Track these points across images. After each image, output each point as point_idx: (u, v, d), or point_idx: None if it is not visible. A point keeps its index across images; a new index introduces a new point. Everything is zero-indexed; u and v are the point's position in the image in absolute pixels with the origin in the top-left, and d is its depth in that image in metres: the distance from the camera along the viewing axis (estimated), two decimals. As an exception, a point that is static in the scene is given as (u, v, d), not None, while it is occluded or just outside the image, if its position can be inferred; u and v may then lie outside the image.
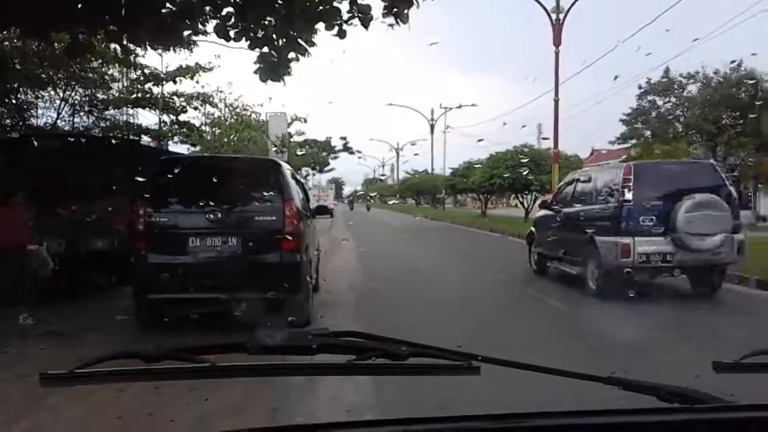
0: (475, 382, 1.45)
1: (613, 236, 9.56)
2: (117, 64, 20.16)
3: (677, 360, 5.49)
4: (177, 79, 23.14)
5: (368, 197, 70.43)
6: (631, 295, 8.60)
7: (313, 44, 9.28)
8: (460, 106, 56.41)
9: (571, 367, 1.45)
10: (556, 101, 28.12)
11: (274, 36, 8.97)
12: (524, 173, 30.58)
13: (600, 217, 10.20)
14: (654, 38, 31.42)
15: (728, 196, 9.89)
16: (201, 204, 7.31)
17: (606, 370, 1.49)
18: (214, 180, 7.50)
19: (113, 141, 16.07)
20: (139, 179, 7.57)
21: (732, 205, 9.77)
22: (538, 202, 16.32)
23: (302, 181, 11.76)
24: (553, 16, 27.35)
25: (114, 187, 9.45)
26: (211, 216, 7.25)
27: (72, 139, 12.31)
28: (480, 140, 53.80)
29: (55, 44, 10.92)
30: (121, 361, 1.37)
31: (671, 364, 5.44)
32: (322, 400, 4.70)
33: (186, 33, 9.60)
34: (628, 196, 9.57)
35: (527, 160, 30.88)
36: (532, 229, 13.92)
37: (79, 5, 7.75)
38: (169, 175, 7.59)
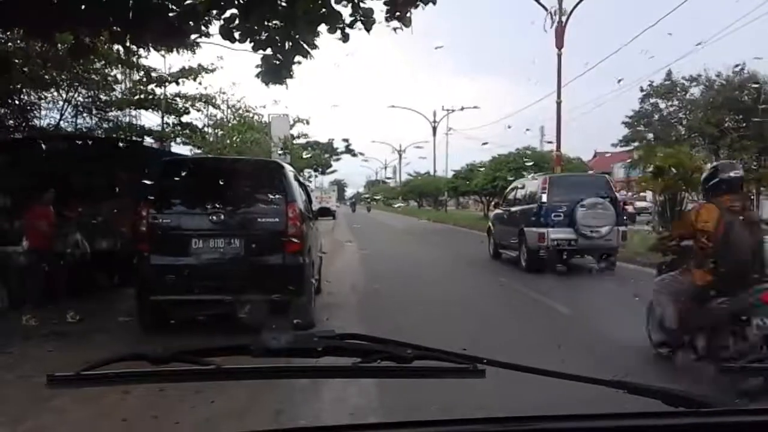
0: (480, 385, 1.44)
1: (534, 227, 13.16)
2: (120, 66, 20.20)
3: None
4: (180, 80, 23.17)
5: (368, 200, 70.79)
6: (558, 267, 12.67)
7: (315, 47, 9.32)
8: (462, 108, 56.34)
9: (575, 370, 1.46)
10: (559, 103, 28.11)
11: (278, 38, 9.00)
12: (533, 173, 30.57)
13: (528, 214, 13.81)
14: (656, 41, 31.49)
15: (613, 200, 13.68)
16: (204, 205, 7.32)
17: (609, 373, 1.49)
18: (217, 182, 7.50)
19: (117, 142, 16.09)
20: (143, 180, 7.58)
21: (616, 207, 13.53)
22: (492, 203, 19.76)
23: (305, 182, 11.78)
24: (556, 19, 27.37)
25: (117, 189, 9.44)
26: (214, 217, 7.25)
27: (77, 141, 12.36)
28: (485, 143, 54.11)
29: (59, 45, 10.92)
30: (126, 363, 1.38)
31: (675, 368, 5.41)
32: (326, 403, 4.70)
33: (190, 35, 9.62)
34: (544, 198, 13.33)
35: (531, 163, 30.86)
36: (490, 224, 17.35)
37: (83, 6, 7.77)
38: (172, 177, 7.60)
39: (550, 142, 32.93)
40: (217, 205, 7.27)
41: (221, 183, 7.47)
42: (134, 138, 21.57)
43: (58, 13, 7.85)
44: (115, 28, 8.49)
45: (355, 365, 1.38)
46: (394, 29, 8.40)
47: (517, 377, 1.44)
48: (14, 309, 8.36)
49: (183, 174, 7.63)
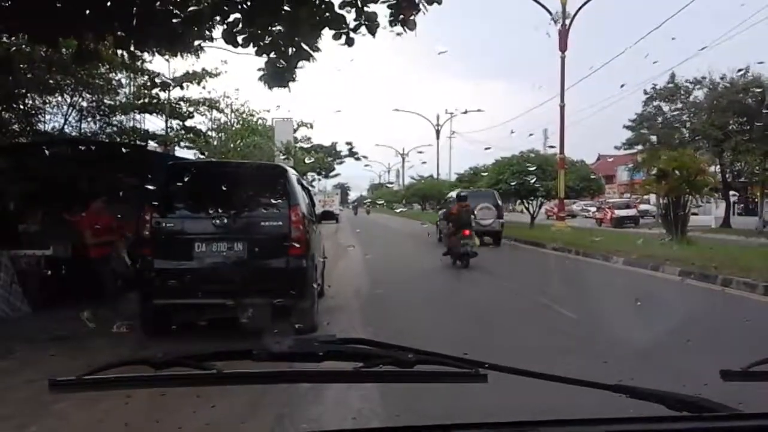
0: (482, 390, 1.45)
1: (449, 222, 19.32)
2: (124, 70, 20.26)
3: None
4: (184, 84, 23.25)
5: (368, 203, 71.59)
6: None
7: (317, 49, 9.31)
8: (465, 112, 56.77)
9: (576, 374, 1.46)
10: (562, 107, 28.15)
11: (281, 42, 9.01)
12: (531, 179, 30.56)
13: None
14: (660, 44, 31.36)
15: (496, 205, 23.47)
16: (207, 209, 7.33)
17: (612, 378, 1.48)
18: (221, 186, 7.51)
19: (121, 146, 16.13)
20: (146, 184, 7.60)
21: (498, 209, 23.37)
22: (442, 211, 23.76)
23: (308, 186, 11.79)
24: (560, 22, 27.40)
25: (121, 193, 9.48)
26: (218, 221, 7.26)
27: (81, 146, 12.39)
28: (487, 148, 54.32)
29: (63, 50, 10.96)
30: (128, 367, 1.38)
31: (678, 372, 5.41)
32: (328, 407, 4.69)
33: (194, 39, 9.64)
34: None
35: (534, 168, 30.79)
36: (437, 221, 24.59)
37: (87, 12, 7.79)
38: (176, 181, 7.62)
39: (552, 147, 32.95)
40: (220, 209, 7.28)
41: (224, 187, 7.48)
42: (138, 142, 21.65)
43: (63, 19, 7.87)
44: (119, 33, 8.51)
45: (357, 370, 1.37)
46: (398, 33, 8.39)
47: (519, 382, 1.43)
48: (34, 312, 8.42)
49: (186, 178, 7.65)
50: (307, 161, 36.99)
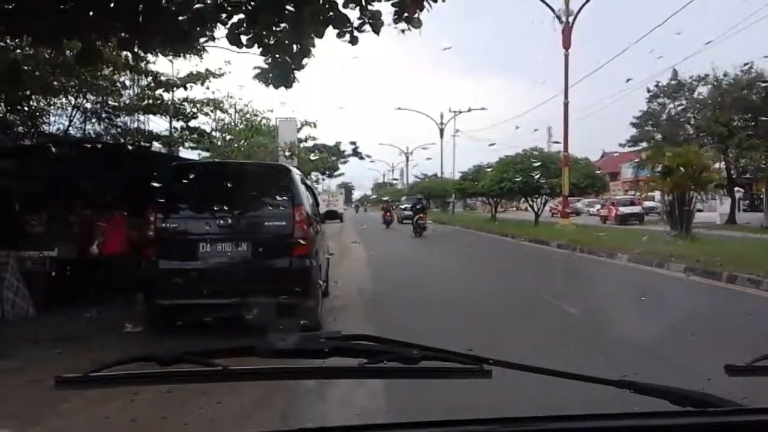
0: (487, 386, 1.45)
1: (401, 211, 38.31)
2: (128, 71, 20.27)
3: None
4: (188, 85, 23.25)
5: (365, 202, 73.95)
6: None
7: (313, 45, 9.24)
8: (469, 110, 56.40)
9: (580, 370, 1.46)
10: (566, 104, 28.15)
11: (286, 42, 9.00)
12: (535, 176, 30.55)
13: (400, 206, 41.56)
14: (663, 41, 31.33)
15: (423, 206, 29.19)
16: (212, 209, 7.34)
17: (616, 373, 1.48)
18: (225, 185, 7.53)
19: (125, 147, 16.18)
20: (150, 185, 7.62)
21: (424, 208, 29.27)
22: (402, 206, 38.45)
23: (312, 186, 11.79)
24: (563, 19, 27.35)
25: (126, 193, 9.50)
26: (222, 221, 7.27)
27: (86, 146, 12.45)
28: (492, 144, 54.36)
29: (67, 52, 10.98)
30: (134, 364, 1.39)
31: (682, 367, 5.42)
32: (333, 404, 4.69)
33: (198, 40, 9.65)
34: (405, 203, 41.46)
35: (538, 164, 30.78)
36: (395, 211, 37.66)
37: (91, 13, 7.81)
38: (180, 181, 7.64)
39: (557, 143, 32.89)
40: (225, 209, 7.29)
41: (228, 187, 7.50)
42: (142, 143, 21.69)
43: (67, 21, 7.89)
44: (123, 34, 8.53)
45: (362, 366, 1.38)
46: (402, 31, 8.38)
47: (523, 377, 1.43)
48: (39, 314, 8.46)
49: (190, 178, 7.68)
50: (312, 158, 37.08)
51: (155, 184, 7.64)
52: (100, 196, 9.58)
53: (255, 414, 4.48)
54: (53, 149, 10.76)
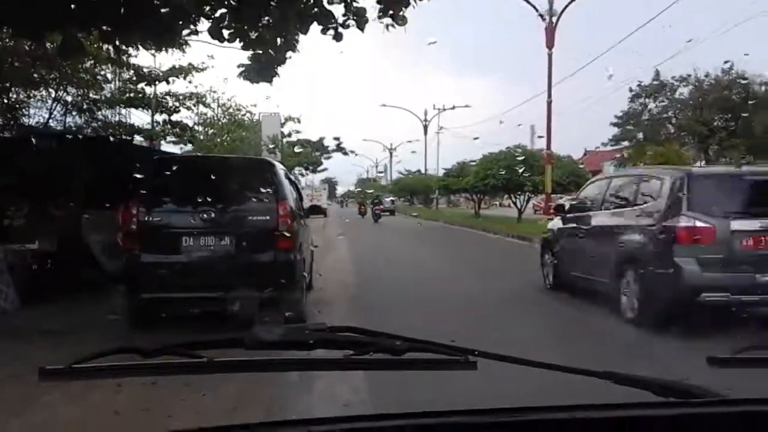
0: (472, 377, 1.46)
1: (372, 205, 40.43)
2: (110, 64, 20.09)
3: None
4: (170, 79, 23.09)
5: (347, 198, 78.00)
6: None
7: (297, 41, 9.22)
8: (453, 107, 56.43)
9: (565, 362, 1.47)
10: (549, 102, 28.21)
11: (268, 37, 8.97)
12: (520, 171, 30.66)
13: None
14: (647, 40, 31.60)
15: (381, 201, 41.85)
16: (194, 203, 7.29)
17: (600, 364, 1.48)
18: (208, 179, 7.46)
19: (107, 140, 16.02)
20: (132, 178, 7.56)
21: (381, 202, 41.54)
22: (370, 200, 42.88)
23: (295, 180, 11.74)
24: (546, 18, 27.44)
25: (107, 186, 9.39)
26: (205, 215, 7.21)
27: (67, 138, 12.29)
28: (476, 138, 54.55)
29: (48, 45, 10.85)
30: (118, 356, 1.38)
31: (665, 359, 5.47)
32: (318, 395, 4.70)
33: (180, 34, 9.58)
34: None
35: (522, 158, 30.91)
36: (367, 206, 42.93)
37: (72, 5, 7.72)
38: (162, 175, 7.57)
39: (541, 137, 33.06)
40: (208, 203, 7.25)
41: (211, 181, 7.44)
42: (124, 136, 21.51)
43: (48, 13, 7.79)
44: (104, 27, 8.44)
45: (347, 357, 1.38)
46: (387, 26, 8.38)
47: (508, 369, 1.45)
48: (20, 307, 8.37)
49: (173, 172, 7.61)
50: (296, 150, 37.11)
51: (137, 177, 7.56)
52: (81, 189, 9.45)
53: (240, 406, 4.49)
54: (33, 141, 10.60)
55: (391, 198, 53.64)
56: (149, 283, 7.03)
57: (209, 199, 7.26)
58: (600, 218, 8.97)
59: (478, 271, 13.87)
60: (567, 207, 10.89)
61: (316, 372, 3.89)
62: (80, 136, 16.65)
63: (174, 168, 7.84)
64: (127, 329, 7.29)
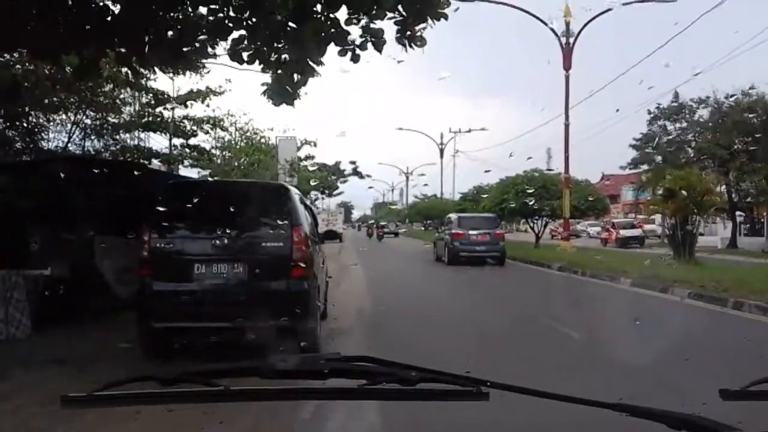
0: (484, 408, 1.48)
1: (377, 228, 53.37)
2: (129, 88, 20.21)
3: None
4: (188, 102, 23.21)
5: (363, 223, 79.77)
6: None
7: (321, 63, 9.16)
8: (469, 130, 56.51)
9: (579, 393, 1.47)
10: (567, 125, 28.00)
11: (286, 57, 8.88)
12: (533, 201, 30.44)
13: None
14: (664, 63, 31.35)
15: (384, 226, 55.38)
16: (207, 229, 7.11)
17: (613, 396, 1.49)
18: (221, 205, 7.27)
19: (122, 164, 16.00)
20: (146, 203, 7.41)
21: (384, 226, 54.79)
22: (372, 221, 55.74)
23: (311, 206, 11.58)
24: (563, 41, 27.35)
25: (121, 211, 9.27)
26: (218, 241, 7.02)
27: (80, 161, 12.25)
28: (487, 171, 55.92)
29: (66, 67, 10.85)
30: (137, 384, 1.43)
31: (678, 391, 5.35)
32: (332, 425, 4.71)
33: (197, 56, 9.52)
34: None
35: (539, 187, 30.60)
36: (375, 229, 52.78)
37: (88, 27, 7.68)
38: (175, 200, 7.42)
39: (550, 170, 32.88)
40: (221, 230, 7.06)
41: (225, 206, 7.23)
42: (141, 161, 21.56)
43: (64, 34, 7.76)
44: (120, 49, 8.39)
45: (361, 387, 1.41)
46: (404, 45, 8.21)
47: (520, 400, 1.45)
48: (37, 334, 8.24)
49: (186, 197, 7.45)
50: (312, 183, 37.15)
51: (151, 202, 7.41)
52: (94, 213, 9.34)
53: None
54: (47, 166, 10.55)
55: (396, 222, 63.71)
56: (160, 311, 6.83)
57: (222, 225, 7.08)
58: (443, 233, 25.30)
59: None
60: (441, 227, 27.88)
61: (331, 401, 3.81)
62: (94, 160, 16.60)
63: (187, 193, 7.69)
64: (139, 358, 7.10)
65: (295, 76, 9.11)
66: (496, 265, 21.53)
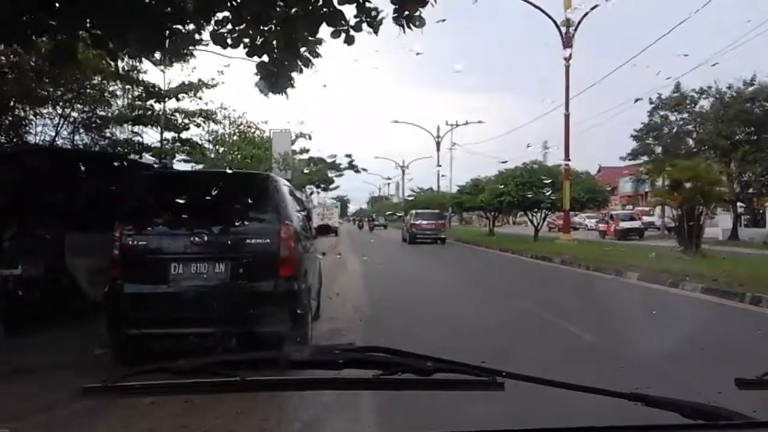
0: (499, 398, 1.48)
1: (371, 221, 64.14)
2: (119, 81, 19.68)
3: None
4: (179, 95, 22.66)
5: (358, 217, 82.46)
6: None
7: (317, 54, 8.66)
8: (466, 123, 56.08)
9: (592, 383, 1.47)
10: (567, 115, 27.48)
11: (275, 42, 8.33)
12: (530, 193, 30.00)
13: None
14: (666, 53, 30.85)
15: (374, 218, 66.92)
16: (186, 225, 6.43)
17: (628, 386, 1.48)
18: (202, 198, 6.52)
19: (100, 155, 15.41)
20: (119, 197, 6.78)
21: (374, 219, 65.77)
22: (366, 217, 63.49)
23: (302, 198, 10.96)
24: (563, 30, 26.82)
25: (100, 206, 8.66)
26: (197, 238, 6.33)
27: (54, 153, 11.64)
28: (504, 162, 54.26)
29: (42, 51, 10.26)
30: (153, 374, 1.43)
31: (693, 380, 5.26)
32: (347, 414, 4.70)
33: (183, 43, 8.94)
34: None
35: (547, 181, 30.09)
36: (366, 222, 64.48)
37: (57, 5, 7.06)
38: (151, 193, 6.79)
39: (546, 148, 32.30)
40: (201, 224, 6.39)
41: (206, 199, 6.52)
42: (132, 155, 21.04)
43: (32, 15, 7.16)
44: (95, 31, 7.79)
45: (376, 377, 1.42)
46: (401, 26, 7.61)
47: (535, 390, 1.47)
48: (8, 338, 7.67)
49: (163, 189, 6.83)
50: (305, 171, 36.81)
51: (124, 194, 6.77)
52: (69, 208, 8.70)
53: (273, 424, 4.59)
54: (20, 158, 9.91)
55: (384, 216, 66.89)
56: (133, 318, 6.18)
57: (203, 220, 6.42)
58: (407, 224, 37.88)
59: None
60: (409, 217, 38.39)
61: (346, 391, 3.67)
62: (69, 151, 15.96)
63: (164, 184, 7.05)
64: (115, 365, 6.50)
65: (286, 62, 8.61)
66: (439, 244, 32.99)
